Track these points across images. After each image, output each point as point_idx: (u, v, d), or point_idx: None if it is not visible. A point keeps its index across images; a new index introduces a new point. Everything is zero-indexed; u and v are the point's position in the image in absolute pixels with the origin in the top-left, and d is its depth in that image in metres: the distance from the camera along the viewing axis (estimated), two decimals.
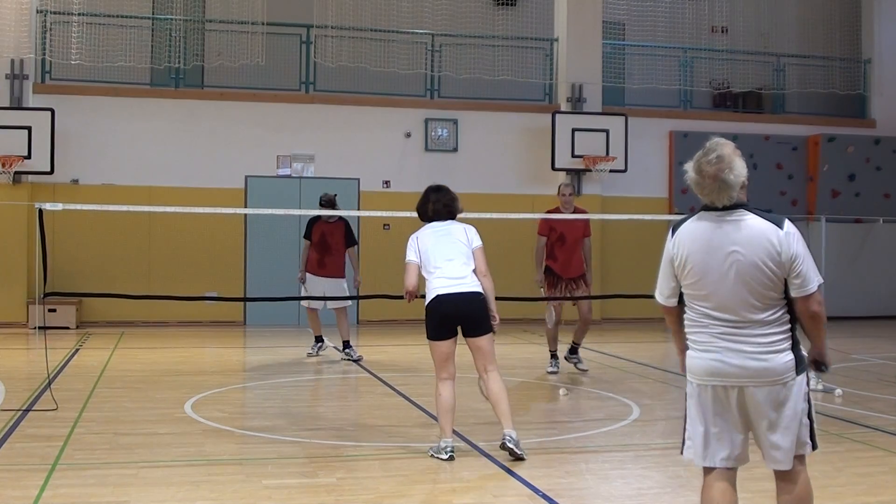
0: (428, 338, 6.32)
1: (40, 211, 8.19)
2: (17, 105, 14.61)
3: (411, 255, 6.39)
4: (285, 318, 15.14)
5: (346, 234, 11.08)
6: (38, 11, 14.96)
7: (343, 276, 11.13)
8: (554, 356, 10.66)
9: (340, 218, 11.05)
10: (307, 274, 11.02)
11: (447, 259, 6.28)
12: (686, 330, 4.02)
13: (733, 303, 3.84)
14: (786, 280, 3.85)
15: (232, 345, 12.04)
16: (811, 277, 3.86)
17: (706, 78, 18.11)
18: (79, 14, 14.81)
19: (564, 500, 5.35)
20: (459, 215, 6.72)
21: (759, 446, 3.94)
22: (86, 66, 14.88)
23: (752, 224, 3.86)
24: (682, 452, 4.09)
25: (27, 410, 7.69)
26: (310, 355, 11.34)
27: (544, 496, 5.40)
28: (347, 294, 11.23)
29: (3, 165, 14.07)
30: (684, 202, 16.97)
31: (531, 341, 13.96)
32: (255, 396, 9.37)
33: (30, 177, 14.63)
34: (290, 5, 15.88)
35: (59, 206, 8.43)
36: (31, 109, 14.57)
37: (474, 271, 6.33)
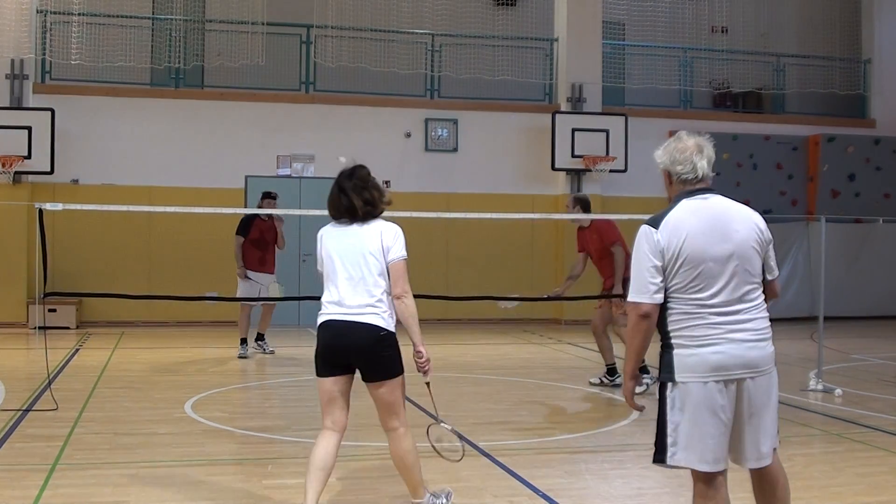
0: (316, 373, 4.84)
1: (40, 211, 8.19)
2: (17, 105, 14.61)
3: (319, 263, 4.88)
4: (285, 318, 15.13)
5: (279, 231, 11.47)
6: (38, 11, 14.96)
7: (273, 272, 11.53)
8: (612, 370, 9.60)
9: (274, 216, 11.33)
10: (249, 271, 11.26)
11: (347, 277, 4.70)
12: (673, 328, 3.82)
13: (732, 287, 3.77)
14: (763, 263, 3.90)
15: (232, 345, 12.00)
16: (775, 263, 4.01)
17: (706, 78, 18.11)
18: (79, 14, 14.81)
19: (564, 500, 5.35)
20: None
21: (741, 444, 3.82)
22: (86, 66, 14.88)
23: (736, 205, 3.90)
24: (662, 460, 3.91)
25: (27, 410, 7.69)
26: (241, 357, 11.25)
27: (544, 496, 5.40)
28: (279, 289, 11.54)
29: (3, 165, 14.07)
30: None
31: (531, 341, 13.97)
32: (255, 396, 9.37)
33: (30, 177, 14.63)
34: (290, 5, 15.89)
35: (59, 206, 8.43)
36: (31, 109, 14.57)
37: (387, 293, 4.72)
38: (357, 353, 4.67)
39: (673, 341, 3.82)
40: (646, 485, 5.79)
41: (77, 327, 14.47)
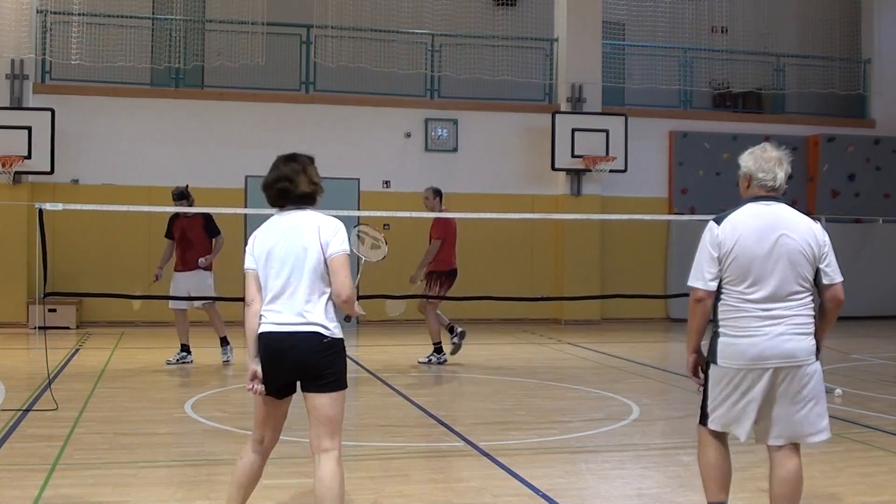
0: None
1: (40, 211, 8.20)
2: (17, 105, 14.62)
3: (249, 262, 4.38)
4: None
5: (205, 225, 10.70)
6: (38, 11, 14.96)
7: (209, 268, 10.73)
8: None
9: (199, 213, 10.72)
10: (174, 273, 10.70)
11: (285, 280, 4.23)
12: (721, 317, 4.27)
13: (777, 287, 4.18)
14: (818, 269, 4.27)
15: (232, 345, 12.01)
16: (839, 270, 4.32)
17: (706, 78, 18.12)
18: (79, 14, 14.82)
19: (564, 500, 5.35)
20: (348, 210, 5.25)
21: (771, 423, 4.24)
22: (86, 66, 14.89)
23: (795, 215, 4.34)
24: (705, 424, 4.36)
25: (27, 410, 7.69)
26: (169, 363, 10.70)
27: (544, 496, 5.40)
28: (212, 289, 10.78)
29: (3, 165, 14.07)
30: (684, 202, 16.98)
31: (531, 341, 13.97)
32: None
33: (30, 177, 14.64)
34: (290, 5, 15.89)
35: (59, 206, 8.43)
36: (31, 109, 14.58)
37: (327, 296, 4.25)
38: (300, 367, 4.19)
39: (720, 329, 4.29)
40: (646, 485, 5.79)
41: (77, 327, 14.47)
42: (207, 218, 10.78)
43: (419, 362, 10.87)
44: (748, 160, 4.44)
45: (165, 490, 5.45)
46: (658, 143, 17.28)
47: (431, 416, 7.93)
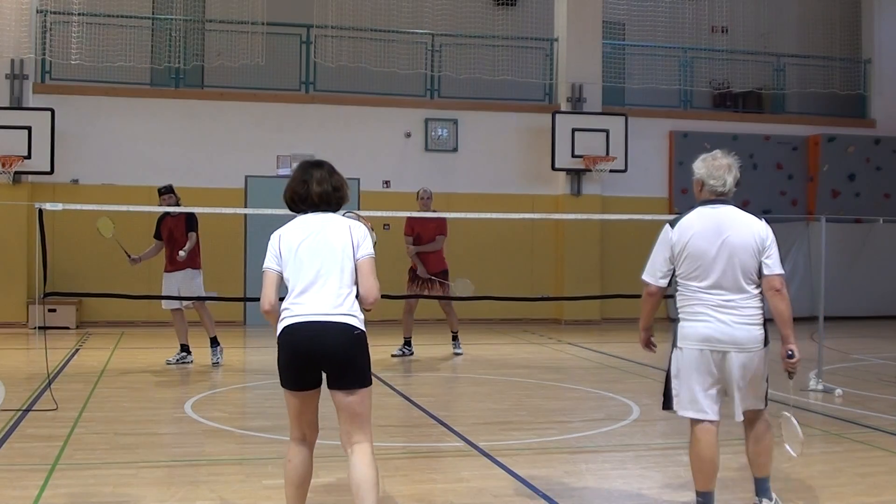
0: (280, 383, 4.43)
1: (40, 211, 8.20)
2: (17, 105, 14.61)
3: (270, 261, 4.39)
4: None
5: (187, 222, 10.65)
6: (38, 11, 14.96)
7: (197, 267, 10.73)
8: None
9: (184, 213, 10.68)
10: (164, 273, 10.69)
11: (315, 273, 4.30)
12: (679, 306, 4.83)
13: (725, 279, 4.71)
14: (760, 262, 4.76)
15: (232, 345, 12.02)
16: (780, 264, 4.81)
17: (706, 78, 18.11)
18: (79, 14, 14.81)
19: (564, 500, 5.35)
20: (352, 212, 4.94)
21: (733, 403, 4.76)
22: (86, 66, 14.88)
23: (741, 215, 4.84)
24: (669, 407, 4.85)
25: (27, 410, 7.69)
26: (169, 363, 10.71)
27: (544, 496, 5.40)
28: (201, 288, 10.78)
29: (3, 165, 14.07)
30: (684, 202, 16.97)
31: (531, 341, 13.96)
32: (255, 396, 9.37)
33: (30, 177, 14.63)
34: (290, 5, 15.88)
35: (59, 206, 8.44)
36: (31, 109, 14.57)
37: (356, 295, 4.37)
38: (330, 357, 4.23)
39: (679, 316, 4.83)
40: (646, 485, 5.79)
41: (77, 327, 14.47)
42: (189, 216, 10.73)
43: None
44: (701, 167, 4.95)
45: (165, 490, 5.45)
46: (658, 143, 17.28)
47: (431, 416, 7.94)
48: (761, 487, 4.90)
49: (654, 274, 4.88)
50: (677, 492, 5.58)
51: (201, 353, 11.11)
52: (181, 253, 10.43)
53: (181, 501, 5.25)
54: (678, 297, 4.85)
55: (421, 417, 7.96)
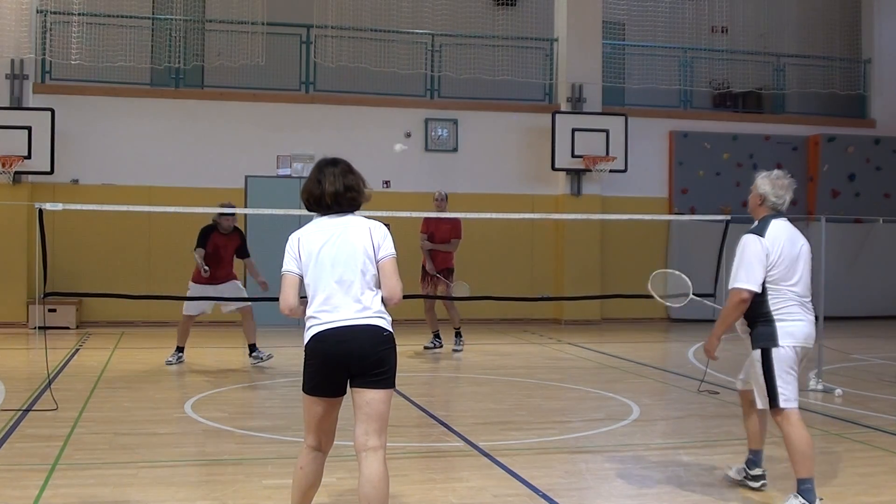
0: (302, 389, 4.38)
1: (40, 211, 8.19)
2: (17, 105, 14.62)
3: (290, 264, 4.34)
4: (285, 318, 15.09)
5: (240, 246, 10.81)
6: (38, 11, 14.96)
7: (236, 278, 10.92)
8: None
9: (237, 229, 10.83)
10: (194, 284, 10.59)
11: (338, 279, 4.26)
12: (774, 308, 5.18)
13: (804, 280, 5.28)
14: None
15: (232, 345, 12.02)
16: None
17: (706, 78, 18.11)
18: (79, 14, 14.82)
19: (564, 500, 5.35)
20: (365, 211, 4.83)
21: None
22: (86, 66, 14.89)
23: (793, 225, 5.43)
24: (776, 405, 5.14)
25: (27, 410, 7.69)
26: (169, 363, 10.71)
27: (544, 496, 5.40)
28: (245, 293, 10.95)
29: (3, 165, 14.07)
30: (684, 202, 16.98)
31: (531, 341, 13.96)
32: (255, 396, 9.37)
33: (30, 177, 14.63)
34: (290, 5, 15.88)
35: (59, 206, 8.43)
36: (31, 109, 14.57)
37: (379, 294, 4.34)
38: (360, 358, 4.18)
39: (775, 317, 5.18)
40: (646, 485, 5.79)
41: (77, 327, 14.47)
42: (242, 238, 10.93)
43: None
44: (766, 184, 5.37)
45: (165, 490, 5.45)
46: (658, 143, 17.28)
47: (431, 416, 7.94)
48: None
49: (755, 281, 5.17)
50: (677, 492, 5.58)
51: (202, 354, 11.11)
52: (206, 269, 10.33)
53: (181, 501, 5.25)
54: (771, 301, 5.19)
55: (421, 417, 7.96)
